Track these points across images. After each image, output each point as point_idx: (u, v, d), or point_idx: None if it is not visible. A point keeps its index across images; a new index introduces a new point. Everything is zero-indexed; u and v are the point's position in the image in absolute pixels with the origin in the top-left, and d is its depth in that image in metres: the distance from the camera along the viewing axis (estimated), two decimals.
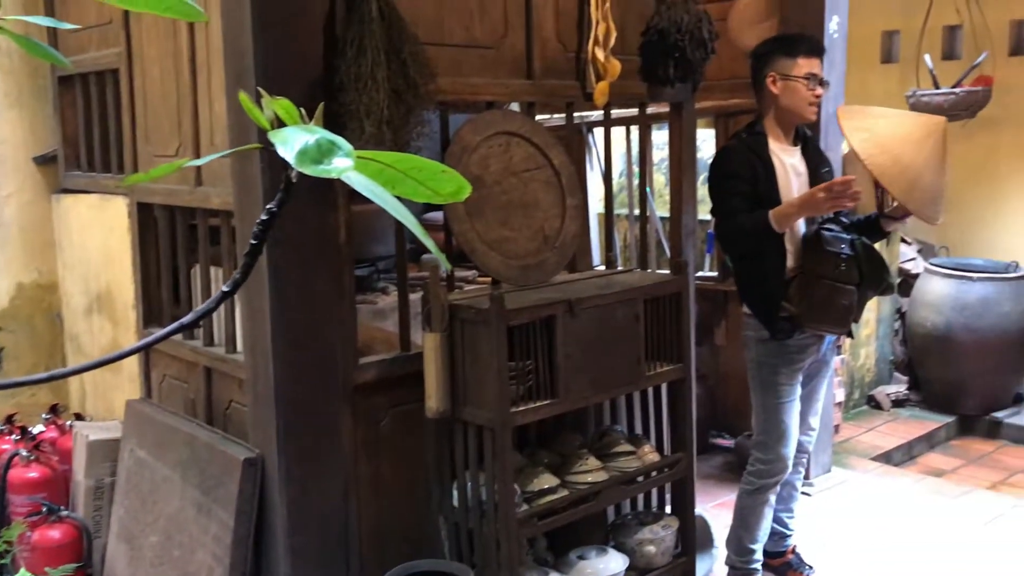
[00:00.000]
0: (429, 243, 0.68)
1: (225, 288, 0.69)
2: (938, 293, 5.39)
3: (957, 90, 4.96)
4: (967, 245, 5.83)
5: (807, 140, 3.11)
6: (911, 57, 5.39)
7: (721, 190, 2.99)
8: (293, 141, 0.62)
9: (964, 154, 5.74)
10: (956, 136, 5.47)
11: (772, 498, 3.13)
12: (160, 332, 0.68)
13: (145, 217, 3.19)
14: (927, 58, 5.17)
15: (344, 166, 0.62)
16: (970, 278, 5.30)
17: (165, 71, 2.93)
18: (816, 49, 3.01)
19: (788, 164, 3.01)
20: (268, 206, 0.68)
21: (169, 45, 2.88)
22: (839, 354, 4.25)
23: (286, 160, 0.62)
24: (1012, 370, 5.42)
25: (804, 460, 3.31)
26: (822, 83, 2.97)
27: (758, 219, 2.83)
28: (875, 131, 2.79)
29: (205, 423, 2.91)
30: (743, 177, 2.93)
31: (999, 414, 5.40)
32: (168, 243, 3.09)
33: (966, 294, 5.27)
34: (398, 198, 0.70)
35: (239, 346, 2.75)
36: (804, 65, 2.95)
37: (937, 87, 5.05)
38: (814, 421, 3.26)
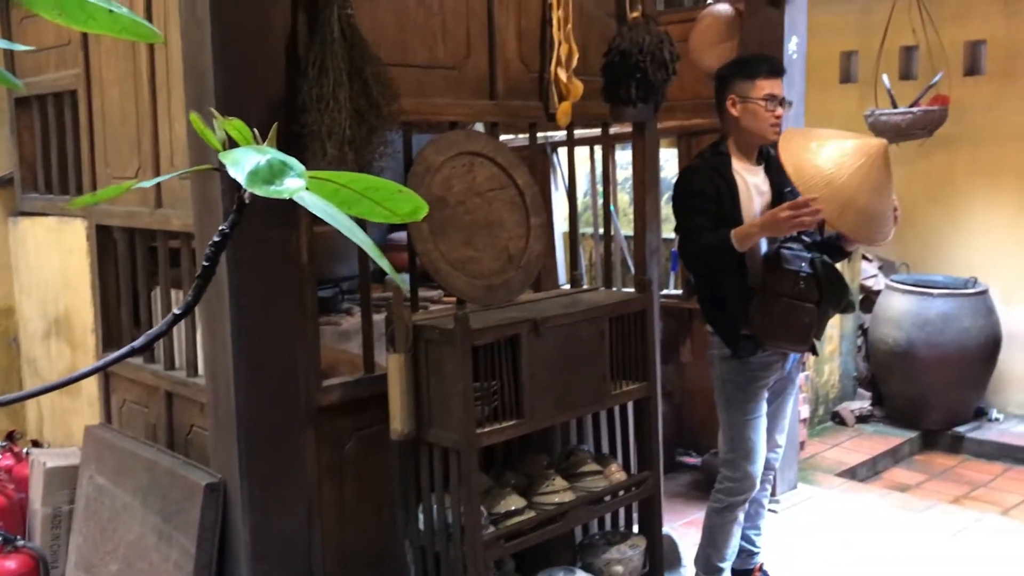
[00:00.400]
0: (384, 263, 0.67)
1: (176, 311, 0.68)
2: (899, 309, 5.46)
3: (915, 109, 5.04)
4: (927, 262, 5.91)
5: (770, 159, 3.13)
6: (869, 77, 5.48)
7: (685, 208, 3.01)
8: (244, 162, 0.61)
9: (923, 172, 5.84)
10: (915, 155, 5.58)
11: (741, 516, 3.14)
12: (110, 356, 0.67)
13: (104, 239, 3.14)
14: (885, 78, 5.26)
15: (296, 186, 0.62)
16: (930, 294, 5.38)
17: (124, 92, 2.90)
18: (775, 70, 3.04)
19: (751, 183, 3.03)
20: (221, 227, 0.67)
21: (128, 66, 2.85)
22: (803, 371, 4.28)
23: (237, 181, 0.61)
24: (973, 385, 5.50)
25: (771, 477, 3.32)
26: (782, 103, 3.00)
27: (720, 238, 2.85)
28: (810, 155, 2.82)
29: (166, 448, 2.87)
30: (706, 196, 2.95)
31: (961, 429, 5.48)
32: (128, 265, 3.05)
33: (927, 310, 5.35)
34: (355, 218, 0.69)
35: (200, 370, 2.72)
36: (763, 87, 2.97)
37: (895, 107, 5.13)
38: (780, 438, 3.27)
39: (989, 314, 5.40)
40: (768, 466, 3.23)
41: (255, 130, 0.70)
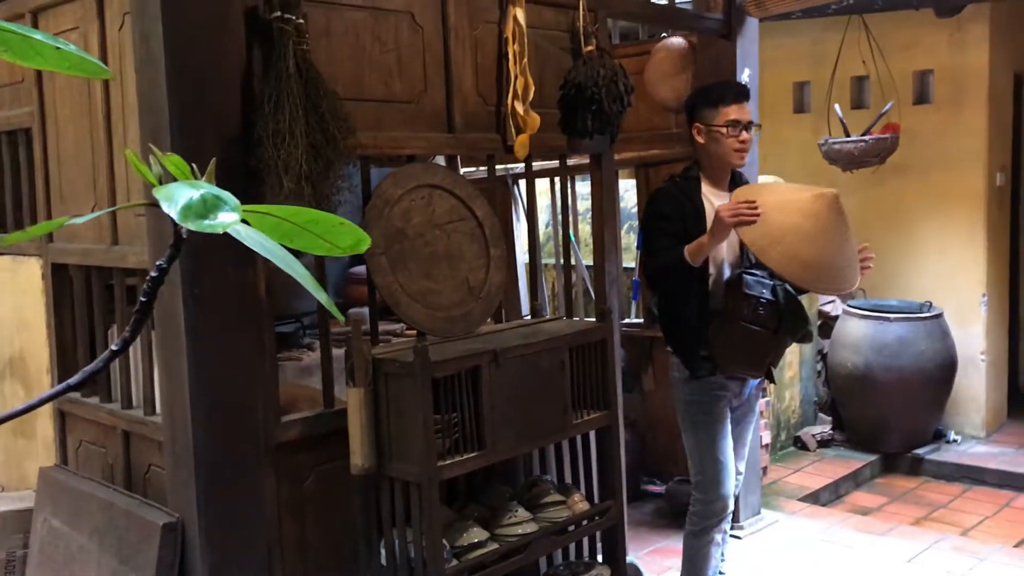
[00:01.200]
0: (321, 296, 0.68)
1: (114, 347, 0.68)
2: (857, 334, 5.54)
3: (867, 138, 5.16)
4: (883, 287, 6.01)
5: (742, 183, 3.18)
6: (822, 107, 5.59)
7: (651, 230, 3.08)
8: (177, 197, 0.62)
9: (876, 199, 5.96)
10: (868, 182, 5.70)
11: (718, 537, 3.13)
12: (45, 394, 0.66)
13: (60, 278, 3.10)
14: (837, 108, 5.37)
15: (230, 220, 0.62)
16: (887, 319, 5.47)
17: (79, 129, 2.88)
18: (738, 95, 3.08)
19: (719, 207, 3.06)
20: (158, 262, 0.67)
21: (83, 103, 2.84)
22: (764, 397, 4.32)
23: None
24: (930, 407, 5.58)
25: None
26: (748, 127, 3.05)
27: (676, 255, 2.90)
28: (754, 189, 2.88)
29: (124, 488, 2.82)
30: (672, 218, 3.01)
31: (920, 451, 5.55)
32: (84, 304, 3.02)
33: (884, 334, 5.43)
34: (295, 252, 0.69)
35: (158, 408, 2.68)
36: (726, 113, 3.03)
37: (848, 135, 5.24)
38: (740, 465, 3.30)
39: (944, 337, 5.49)
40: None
41: (194, 165, 0.70)
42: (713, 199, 3.07)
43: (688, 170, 3.14)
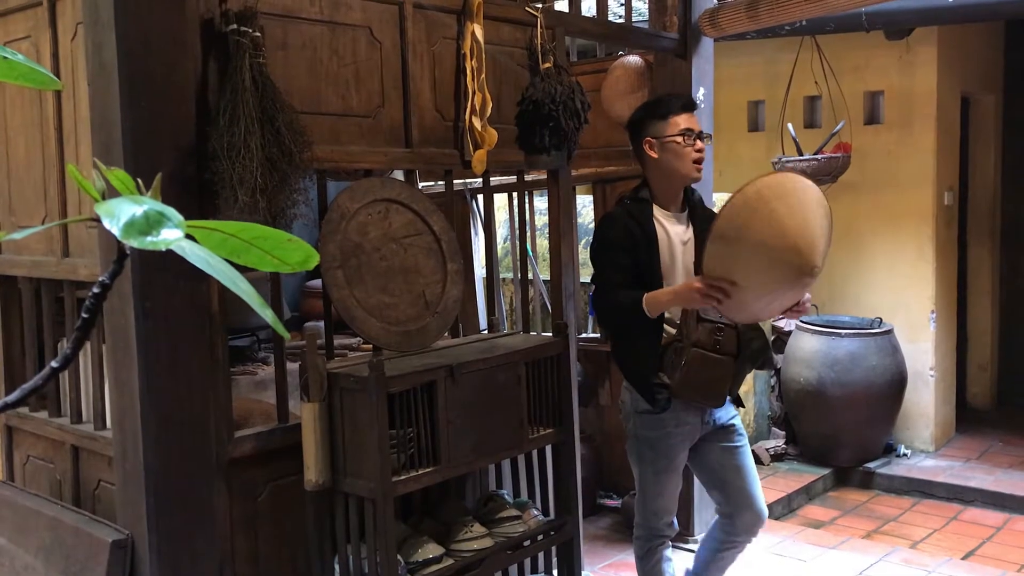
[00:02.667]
0: (267, 314, 0.68)
1: (54, 364, 0.67)
2: (809, 349, 5.62)
3: (819, 156, 5.26)
4: (835, 303, 6.11)
5: (694, 205, 3.00)
6: (775, 125, 5.69)
7: (600, 260, 2.91)
8: (119, 213, 0.62)
9: None
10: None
11: (667, 553, 3.07)
12: None
13: (8, 290, 3.06)
14: (790, 127, 5.47)
15: (173, 237, 0.62)
16: (839, 334, 5.56)
17: (31, 140, 2.84)
18: (687, 105, 2.95)
19: (672, 232, 2.92)
20: (100, 278, 0.67)
21: (35, 113, 2.80)
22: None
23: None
24: (881, 422, 5.67)
25: (756, 531, 3.06)
26: (701, 136, 2.90)
27: (633, 300, 2.75)
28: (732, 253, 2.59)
29: (72, 505, 2.77)
30: (621, 247, 2.85)
31: (871, 464, 5.64)
32: (33, 317, 2.97)
33: (835, 350, 5.52)
34: (242, 268, 0.70)
35: (108, 422, 2.64)
36: (678, 122, 2.88)
37: (801, 154, 5.34)
38: (756, 489, 3.02)
39: (894, 353, 5.59)
40: (753, 531, 3.04)
41: (139, 180, 0.70)
42: (665, 222, 2.91)
43: (637, 191, 2.97)
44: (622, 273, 2.83)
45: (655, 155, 2.91)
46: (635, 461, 3.01)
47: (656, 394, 2.85)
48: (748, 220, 2.53)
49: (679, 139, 2.87)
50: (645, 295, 2.74)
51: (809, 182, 2.65)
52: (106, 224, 0.61)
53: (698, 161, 2.90)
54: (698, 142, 2.89)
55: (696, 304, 2.69)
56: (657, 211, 2.92)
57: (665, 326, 2.89)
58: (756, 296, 2.65)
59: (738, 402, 3.06)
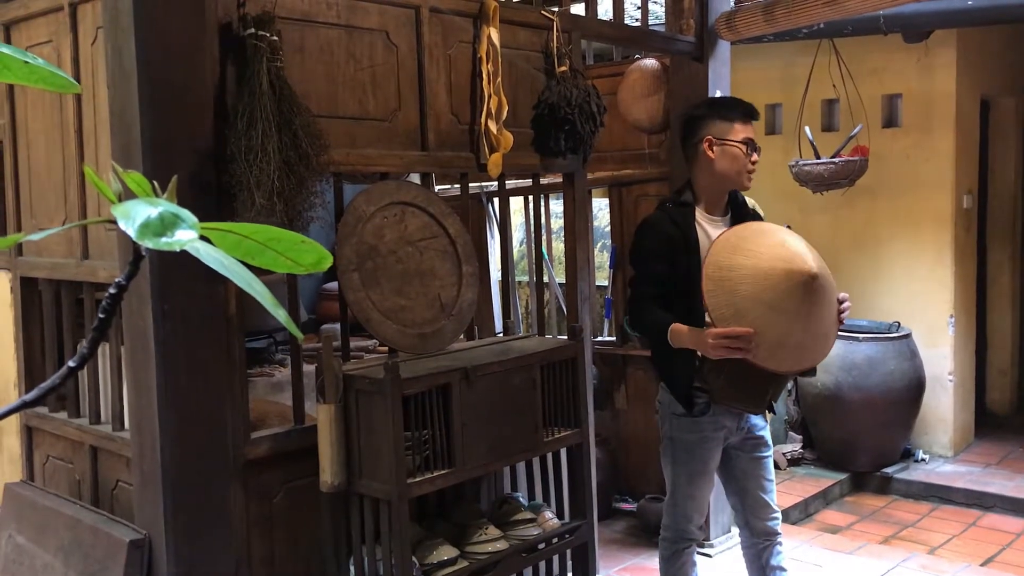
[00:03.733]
0: (280, 314, 0.69)
1: (71, 364, 0.68)
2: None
3: (836, 160, 5.23)
4: (852, 307, 6.06)
5: (738, 208, 2.96)
6: (793, 129, 5.67)
7: (636, 269, 2.89)
8: (135, 214, 0.63)
9: (846, 220, 6.03)
10: (838, 203, 5.78)
11: (693, 557, 3.06)
12: (1, 409, 0.67)
13: (29, 292, 3.09)
14: (807, 130, 5.45)
15: (187, 238, 0.63)
16: (856, 339, 5.52)
17: (51, 143, 2.87)
18: (752, 114, 2.91)
19: (715, 236, 2.82)
20: (116, 279, 0.68)
21: (55, 117, 2.83)
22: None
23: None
24: (899, 427, 5.63)
25: (779, 541, 3.07)
26: (757, 149, 2.88)
27: (660, 327, 2.73)
28: (730, 290, 2.61)
29: (91, 505, 2.80)
30: (660, 255, 2.81)
31: (889, 470, 5.60)
32: (53, 318, 3.00)
33: (853, 354, 5.49)
34: (257, 270, 0.70)
35: (126, 423, 2.67)
36: (741, 130, 2.84)
37: (818, 157, 5.31)
38: (772, 498, 3.05)
39: (913, 357, 5.56)
40: (770, 531, 3.04)
41: (155, 183, 0.71)
42: (708, 227, 2.86)
43: (680, 194, 2.92)
44: (657, 285, 2.81)
45: (712, 155, 2.84)
46: (668, 463, 2.99)
47: (695, 399, 2.84)
48: (729, 259, 2.60)
49: (741, 146, 2.83)
50: (671, 326, 2.71)
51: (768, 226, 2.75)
52: (121, 225, 0.62)
53: (752, 171, 2.88)
54: (754, 155, 2.87)
55: (710, 354, 2.63)
56: (700, 215, 2.89)
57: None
58: (782, 332, 2.60)
59: (770, 409, 3.02)
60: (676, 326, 2.71)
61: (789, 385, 5.89)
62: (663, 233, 2.83)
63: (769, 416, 3.08)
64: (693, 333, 2.67)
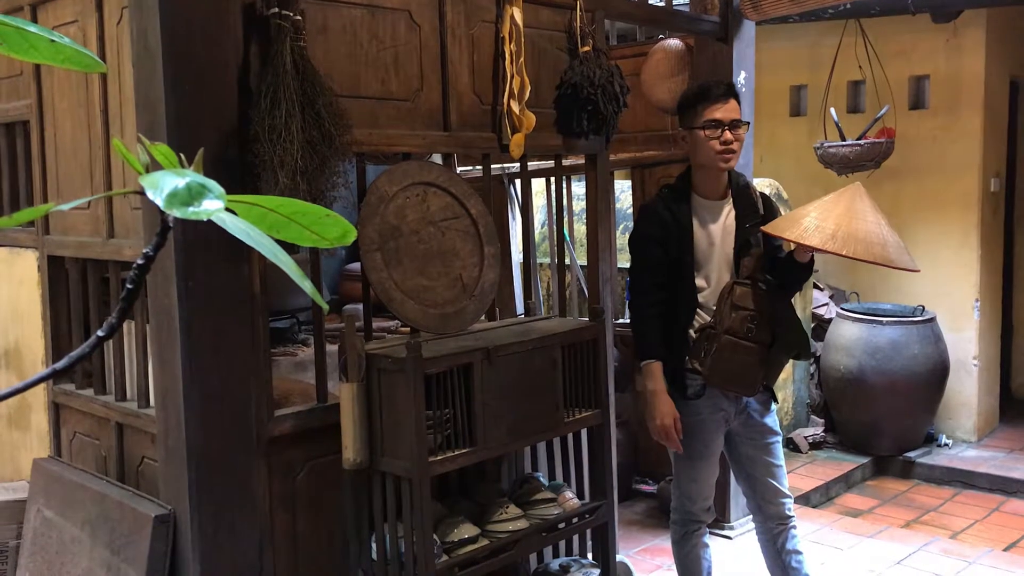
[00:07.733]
0: (306, 285, 0.70)
1: (100, 332, 0.69)
2: (850, 337, 5.56)
3: (862, 142, 5.18)
4: (876, 290, 6.04)
5: (739, 190, 2.98)
6: (818, 111, 5.62)
7: (634, 252, 2.98)
8: (163, 184, 0.64)
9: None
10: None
11: (704, 540, 3.10)
12: (31, 378, 0.68)
13: (56, 270, 3.12)
14: (833, 112, 5.40)
15: (214, 208, 0.64)
16: (880, 322, 5.49)
17: (77, 122, 2.90)
18: (720, 94, 2.89)
19: (710, 221, 2.93)
20: (144, 250, 0.69)
21: (81, 96, 2.86)
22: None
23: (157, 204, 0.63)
24: (922, 411, 5.60)
25: (793, 525, 3.07)
26: (734, 126, 2.86)
27: (644, 350, 2.94)
28: (806, 223, 2.73)
29: (117, 480, 2.84)
30: (655, 240, 2.91)
31: (911, 454, 5.57)
32: (79, 296, 3.03)
33: (876, 338, 5.45)
34: (283, 243, 0.71)
35: (151, 400, 2.70)
36: (706, 112, 2.87)
37: (843, 139, 5.27)
38: (783, 484, 3.06)
39: (937, 341, 5.52)
40: (782, 515, 3.05)
41: (182, 155, 0.72)
42: (703, 211, 2.93)
43: (680, 179, 3.00)
44: (652, 271, 2.92)
45: (686, 144, 2.99)
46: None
47: (689, 381, 2.90)
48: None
49: (702, 132, 2.88)
50: (645, 364, 2.91)
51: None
52: (149, 195, 0.63)
53: (723, 152, 2.86)
54: (727, 133, 2.85)
55: (652, 431, 2.95)
56: (696, 199, 2.95)
57: (699, 311, 2.93)
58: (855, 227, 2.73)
59: (772, 396, 3.03)
60: (649, 366, 2.89)
61: (812, 368, 5.86)
62: (657, 217, 2.93)
63: (774, 405, 3.08)
64: (657, 395, 2.88)
